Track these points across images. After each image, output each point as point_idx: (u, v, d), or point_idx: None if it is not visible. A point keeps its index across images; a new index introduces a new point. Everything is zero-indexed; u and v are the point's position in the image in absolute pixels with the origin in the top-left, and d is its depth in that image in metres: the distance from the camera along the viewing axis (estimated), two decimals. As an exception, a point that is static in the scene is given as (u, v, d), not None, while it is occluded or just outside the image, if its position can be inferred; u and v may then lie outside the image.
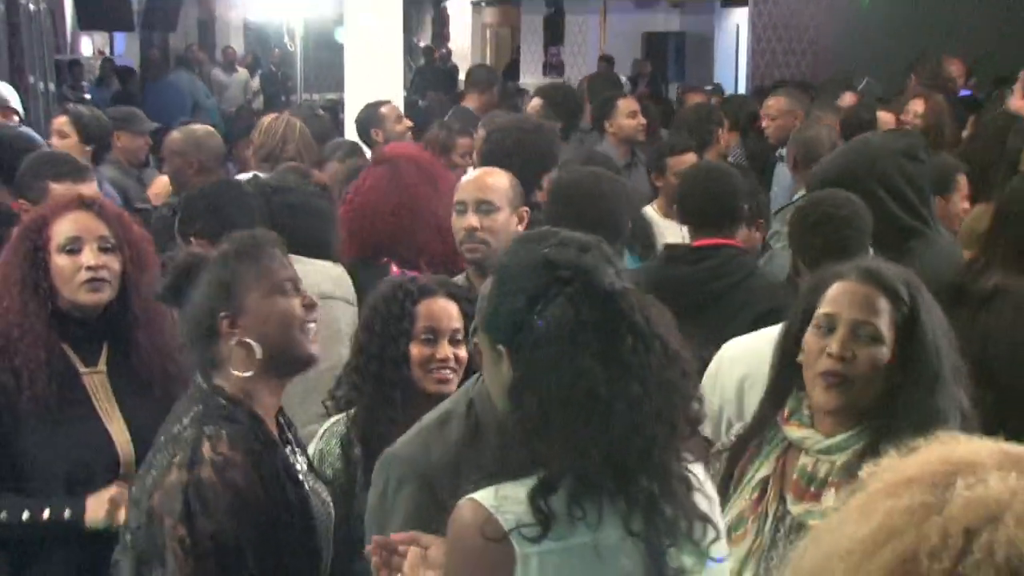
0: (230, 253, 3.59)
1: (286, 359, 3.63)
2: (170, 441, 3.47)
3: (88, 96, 18.50)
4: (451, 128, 8.96)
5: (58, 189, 5.81)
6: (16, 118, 8.30)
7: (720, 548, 3.04)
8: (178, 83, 19.50)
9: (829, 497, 3.35)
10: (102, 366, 4.33)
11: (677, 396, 2.94)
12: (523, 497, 2.84)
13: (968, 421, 3.55)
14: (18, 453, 4.16)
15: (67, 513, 4.03)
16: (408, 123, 9.39)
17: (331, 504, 3.76)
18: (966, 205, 6.89)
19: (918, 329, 3.48)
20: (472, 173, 6.05)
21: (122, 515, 3.90)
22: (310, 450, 3.83)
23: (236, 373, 3.52)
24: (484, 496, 2.85)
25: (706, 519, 2.98)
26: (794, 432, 3.53)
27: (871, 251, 5.27)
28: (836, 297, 3.52)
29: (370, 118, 8.93)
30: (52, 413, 4.13)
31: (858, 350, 3.41)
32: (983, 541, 1.56)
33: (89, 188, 5.88)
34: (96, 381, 4.30)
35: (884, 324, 3.45)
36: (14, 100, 8.48)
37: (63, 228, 4.27)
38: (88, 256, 4.22)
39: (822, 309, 3.53)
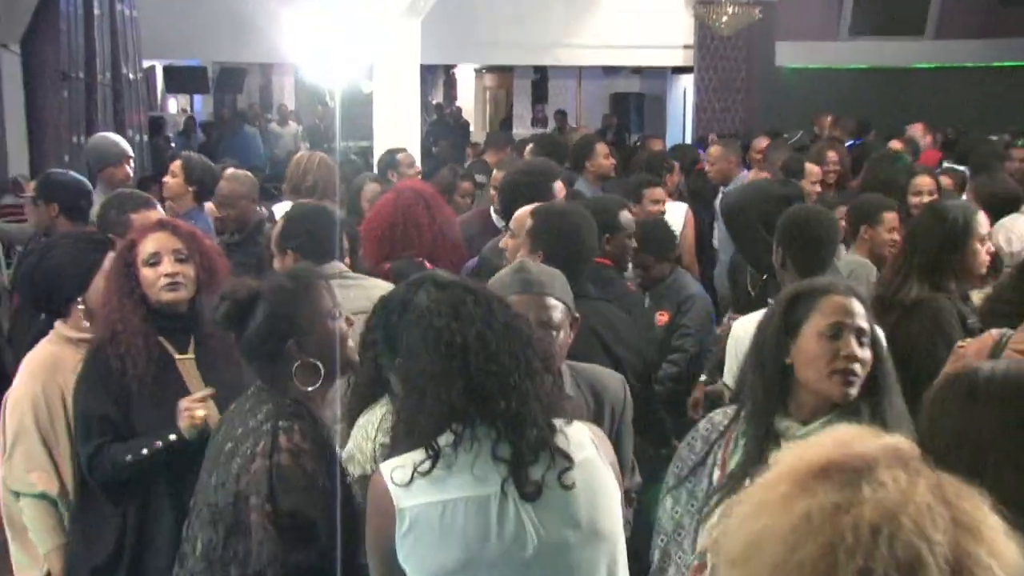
0: (289, 288, 3.63)
1: (338, 371, 3.66)
2: (250, 433, 3.44)
3: (173, 145, 18.61)
4: (456, 172, 9.12)
5: (137, 218, 5.79)
6: (130, 167, 8.22)
7: (569, 477, 2.97)
8: (249, 135, 19.85)
9: None
10: (191, 353, 4.40)
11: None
12: (412, 459, 2.91)
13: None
14: (131, 422, 4.22)
15: (172, 436, 4.07)
16: (418, 168, 9.24)
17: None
18: (895, 236, 6.72)
19: (875, 333, 3.46)
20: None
21: (200, 415, 4.07)
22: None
23: (300, 387, 3.53)
24: (386, 465, 2.97)
25: (559, 451, 2.95)
26: (781, 422, 3.42)
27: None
28: (837, 309, 3.42)
29: (388, 162, 8.91)
30: (153, 390, 4.21)
31: (861, 352, 3.37)
32: (885, 536, 1.58)
33: (157, 214, 5.96)
34: (187, 365, 4.37)
35: (868, 327, 3.42)
36: (128, 149, 8.38)
37: (146, 246, 4.34)
38: (166, 266, 4.31)
39: (826, 320, 3.41)
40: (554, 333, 3.77)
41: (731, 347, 5.18)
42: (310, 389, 3.52)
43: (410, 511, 2.87)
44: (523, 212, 5.22)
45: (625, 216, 5.87)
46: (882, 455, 1.69)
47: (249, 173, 8.17)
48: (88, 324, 4.59)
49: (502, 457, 2.90)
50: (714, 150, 9.77)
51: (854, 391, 3.36)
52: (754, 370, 3.56)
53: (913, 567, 1.55)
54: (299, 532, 3.30)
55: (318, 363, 3.53)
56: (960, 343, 4.64)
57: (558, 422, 3.00)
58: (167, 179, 7.81)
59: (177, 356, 4.36)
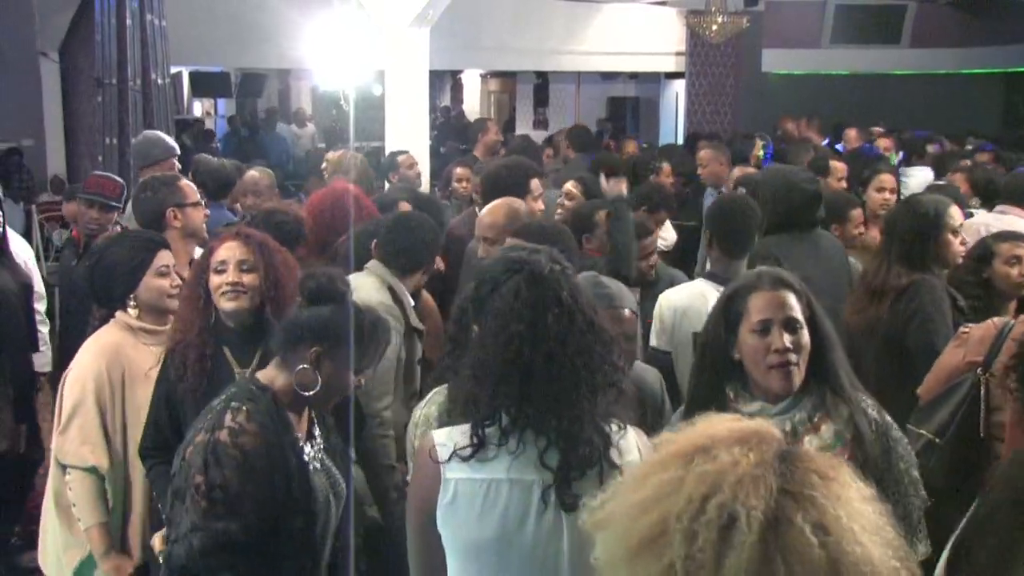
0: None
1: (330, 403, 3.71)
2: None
3: (218, 146, 18.79)
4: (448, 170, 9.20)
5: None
6: (176, 162, 8.04)
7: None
8: (283, 135, 20.13)
9: (807, 441, 3.26)
10: (253, 367, 4.17)
11: (593, 358, 2.91)
12: (461, 434, 2.88)
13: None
14: (181, 430, 4.03)
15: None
16: (419, 169, 9.15)
17: (341, 488, 3.68)
18: (861, 230, 6.95)
19: (814, 312, 3.42)
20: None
21: None
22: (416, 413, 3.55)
23: (286, 382, 3.50)
24: (437, 433, 2.95)
25: (613, 464, 2.89)
26: (749, 407, 3.37)
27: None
28: (762, 305, 3.39)
29: (390, 165, 8.90)
30: (203, 402, 3.90)
31: (793, 339, 3.33)
32: (711, 504, 1.68)
33: (189, 188, 5.88)
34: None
35: (799, 315, 3.37)
36: (174, 146, 8.24)
37: (218, 254, 4.23)
38: (229, 274, 4.18)
39: (754, 317, 3.39)
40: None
41: (657, 316, 5.28)
42: (308, 395, 3.50)
43: (456, 483, 2.84)
44: (493, 219, 5.29)
45: (600, 215, 5.86)
46: (727, 436, 1.79)
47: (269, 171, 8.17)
48: (135, 315, 4.58)
49: (549, 465, 2.85)
50: (704, 153, 9.58)
51: (794, 382, 3.35)
52: (704, 369, 3.57)
53: (728, 527, 1.65)
54: (226, 505, 3.27)
55: (318, 376, 3.47)
56: (964, 328, 4.68)
57: (614, 429, 2.95)
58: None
59: (237, 370, 4.23)
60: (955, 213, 5.51)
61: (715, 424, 1.87)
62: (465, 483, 2.84)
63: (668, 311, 5.23)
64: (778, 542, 1.64)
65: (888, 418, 3.46)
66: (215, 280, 4.21)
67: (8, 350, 6.09)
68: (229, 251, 4.24)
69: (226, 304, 4.20)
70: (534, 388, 2.84)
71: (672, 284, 5.85)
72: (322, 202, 6.63)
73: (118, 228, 6.66)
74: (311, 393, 3.48)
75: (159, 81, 13.74)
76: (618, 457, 2.92)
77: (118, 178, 7.58)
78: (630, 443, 2.98)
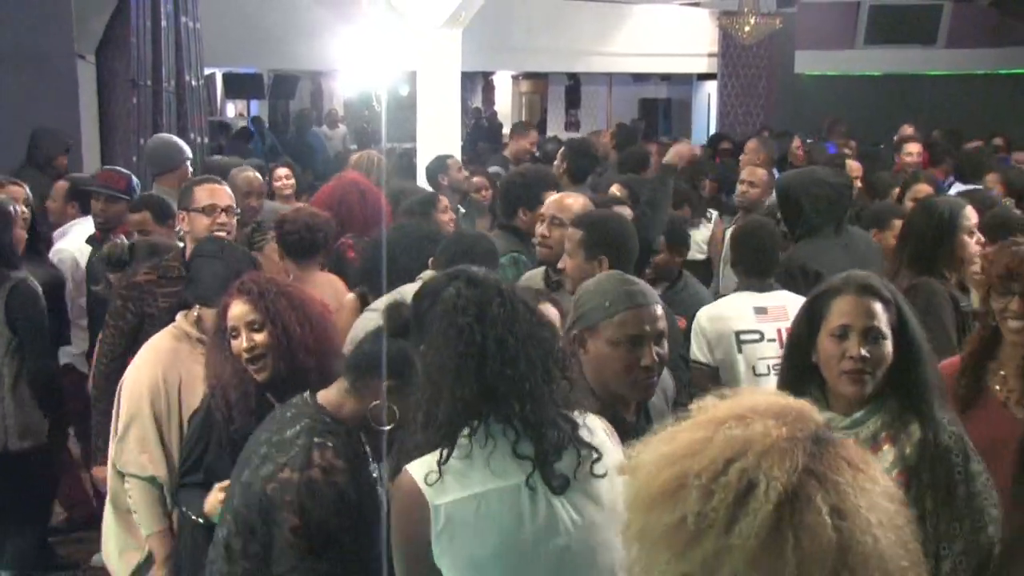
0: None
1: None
2: (284, 444, 3.35)
3: (252, 147, 18.89)
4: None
5: (199, 191, 5.74)
6: (188, 166, 8.19)
7: (601, 467, 2.95)
8: (320, 136, 20.23)
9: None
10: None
11: (542, 344, 2.96)
12: (432, 458, 2.85)
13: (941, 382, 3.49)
14: (213, 472, 4.05)
15: (196, 519, 3.99)
16: (465, 173, 9.01)
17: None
18: None
19: (906, 323, 3.37)
20: (553, 195, 5.97)
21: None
22: None
23: (372, 422, 3.40)
24: (410, 467, 2.86)
25: (586, 444, 2.94)
26: (821, 415, 3.43)
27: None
28: (844, 310, 3.35)
29: (439, 166, 8.82)
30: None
31: (871, 349, 3.28)
32: (734, 468, 1.70)
33: (220, 188, 5.86)
34: None
35: (884, 325, 3.32)
36: (187, 151, 8.48)
37: (229, 317, 4.13)
38: (243, 339, 4.06)
39: (835, 321, 3.36)
40: (664, 340, 3.66)
41: (696, 331, 5.33)
42: (375, 425, 3.38)
43: (445, 507, 2.80)
44: (571, 232, 5.16)
45: (618, 211, 5.79)
46: (765, 408, 1.81)
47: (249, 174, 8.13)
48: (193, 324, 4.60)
49: (525, 455, 2.85)
50: (752, 143, 9.65)
51: (865, 389, 3.31)
52: (786, 370, 3.58)
53: (746, 493, 1.68)
54: (323, 541, 3.25)
55: (395, 412, 3.32)
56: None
57: (576, 415, 2.98)
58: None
59: None
60: (970, 214, 5.51)
61: (758, 396, 1.89)
62: (454, 505, 2.81)
63: (707, 322, 5.29)
64: (792, 517, 1.66)
65: (970, 448, 3.37)
66: (234, 345, 4.09)
67: (29, 349, 6.12)
68: (237, 313, 4.10)
69: (257, 376, 4.08)
70: (490, 376, 2.85)
71: (697, 293, 6.00)
72: (331, 196, 6.86)
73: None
74: (387, 428, 3.38)
75: (193, 83, 13.86)
76: (589, 436, 2.96)
77: (125, 171, 7.62)
78: (595, 424, 3.04)
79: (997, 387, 4.10)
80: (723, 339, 5.21)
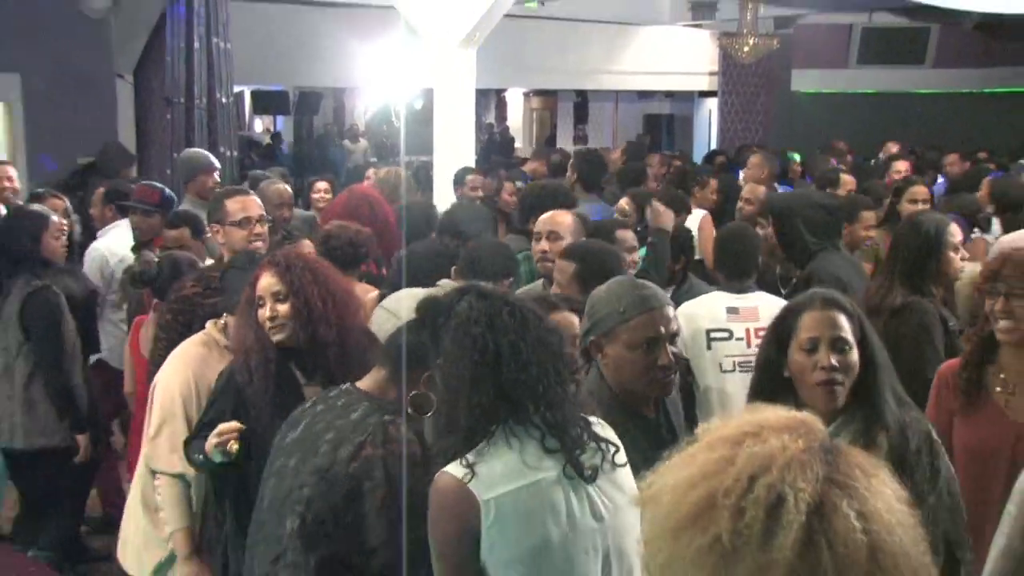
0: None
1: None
2: (356, 425, 3.31)
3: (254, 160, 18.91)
4: (501, 179, 9.29)
5: (230, 204, 5.75)
6: (217, 176, 8.18)
7: (621, 456, 3.00)
8: (342, 149, 20.29)
9: None
10: (318, 382, 4.09)
11: (552, 348, 2.97)
12: (466, 459, 2.83)
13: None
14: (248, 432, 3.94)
15: (200, 456, 3.92)
16: (480, 192, 8.81)
17: None
18: (871, 233, 7.03)
19: (867, 336, 3.39)
20: (547, 213, 5.95)
21: (235, 448, 3.77)
22: None
23: (411, 410, 3.22)
24: (449, 469, 2.83)
25: (604, 439, 2.98)
26: None
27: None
28: (811, 324, 3.36)
29: (459, 179, 8.78)
30: (272, 409, 3.94)
31: (839, 359, 3.30)
32: (760, 484, 1.65)
33: (251, 200, 5.88)
34: (312, 392, 4.00)
35: (849, 335, 3.33)
36: (216, 164, 8.41)
37: (257, 287, 4.16)
38: (266, 310, 4.09)
39: (804, 335, 3.36)
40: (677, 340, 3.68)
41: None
42: (414, 412, 3.20)
43: (495, 501, 2.78)
44: (564, 264, 5.15)
45: (621, 234, 5.85)
46: (775, 423, 1.78)
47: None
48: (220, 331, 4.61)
49: (554, 449, 2.86)
50: (755, 158, 9.50)
51: (837, 401, 3.33)
52: (759, 388, 3.55)
53: (777, 507, 1.63)
54: (411, 512, 3.14)
55: (433, 400, 3.14)
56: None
57: (587, 414, 3.01)
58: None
59: (303, 382, 4.15)
60: (955, 231, 5.48)
61: (765, 412, 1.86)
62: (503, 497, 2.80)
63: (682, 319, 5.09)
64: (823, 525, 1.63)
65: (936, 444, 3.43)
66: (260, 314, 4.12)
67: (38, 354, 6.11)
68: (264, 284, 4.14)
69: (274, 338, 4.10)
70: (506, 381, 2.87)
71: (701, 293, 5.89)
72: (344, 207, 6.95)
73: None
74: (426, 415, 3.23)
75: (223, 100, 13.91)
76: (602, 431, 3.01)
77: (158, 185, 7.64)
78: (604, 425, 3.07)
79: (998, 389, 4.13)
80: (696, 336, 5.22)
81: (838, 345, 3.32)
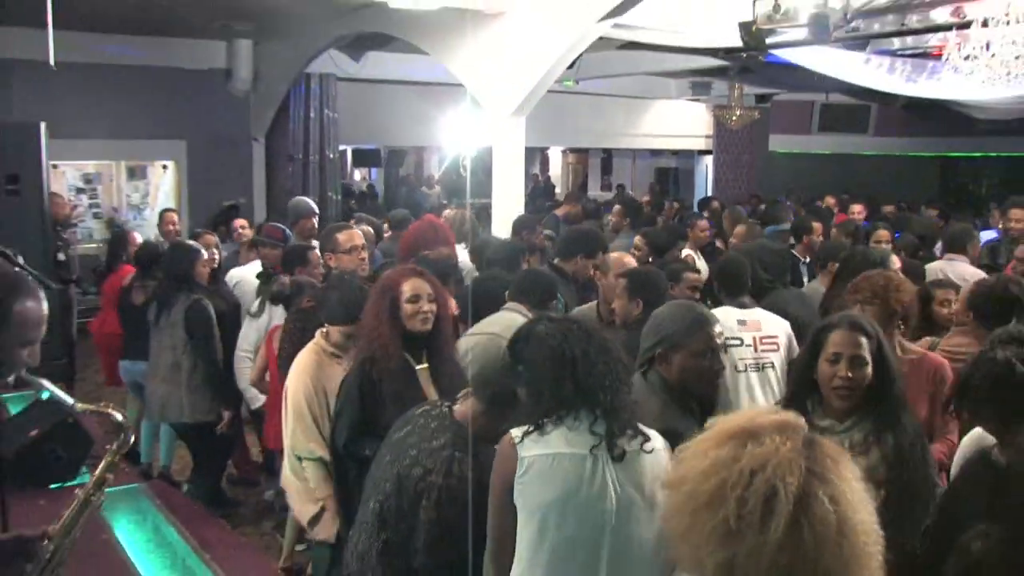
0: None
1: None
2: (433, 452, 3.30)
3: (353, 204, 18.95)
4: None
5: (341, 236, 5.86)
6: (316, 220, 8.19)
7: (650, 445, 2.94)
8: (423, 194, 20.27)
9: (857, 461, 3.15)
10: (425, 363, 4.17)
11: (612, 353, 3.00)
12: (524, 428, 2.90)
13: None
14: (378, 420, 4.02)
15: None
16: (543, 238, 8.41)
17: None
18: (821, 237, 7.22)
19: (883, 353, 3.34)
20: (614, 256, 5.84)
21: None
22: None
23: (479, 422, 3.30)
24: (514, 431, 2.92)
25: (642, 431, 2.95)
26: (821, 422, 3.29)
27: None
28: (837, 341, 3.33)
29: (524, 223, 8.36)
30: (399, 397, 3.98)
31: (855, 372, 3.28)
32: (759, 479, 1.69)
33: (355, 233, 6.01)
34: (423, 374, 4.16)
35: (866, 353, 3.30)
36: (315, 208, 8.39)
37: (407, 287, 4.16)
38: (423, 304, 4.13)
39: (830, 349, 3.33)
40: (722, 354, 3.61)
41: None
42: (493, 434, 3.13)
43: (527, 459, 2.83)
44: (620, 281, 5.11)
45: (688, 276, 5.78)
46: (769, 425, 1.79)
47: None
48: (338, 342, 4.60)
49: (597, 432, 2.86)
50: (740, 230, 8.89)
51: (849, 403, 3.29)
52: (793, 385, 3.56)
53: (771, 497, 1.67)
54: (454, 536, 3.20)
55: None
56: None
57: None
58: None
59: (416, 367, 4.16)
60: (896, 260, 5.57)
61: (757, 413, 1.87)
62: (534, 458, 2.83)
63: None
64: (806, 510, 1.67)
65: (924, 443, 3.40)
66: (409, 308, 4.12)
67: (198, 350, 6.23)
68: (419, 287, 4.17)
69: (422, 327, 4.12)
70: (581, 378, 2.89)
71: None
72: (416, 229, 6.98)
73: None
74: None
75: (331, 156, 14.15)
76: (644, 426, 2.99)
77: (280, 225, 7.69)
78: (653, 431, 3.03)
79: None
80: None
81: (856, 361, 3.30)
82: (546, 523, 2.82)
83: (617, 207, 9.23)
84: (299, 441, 4.41)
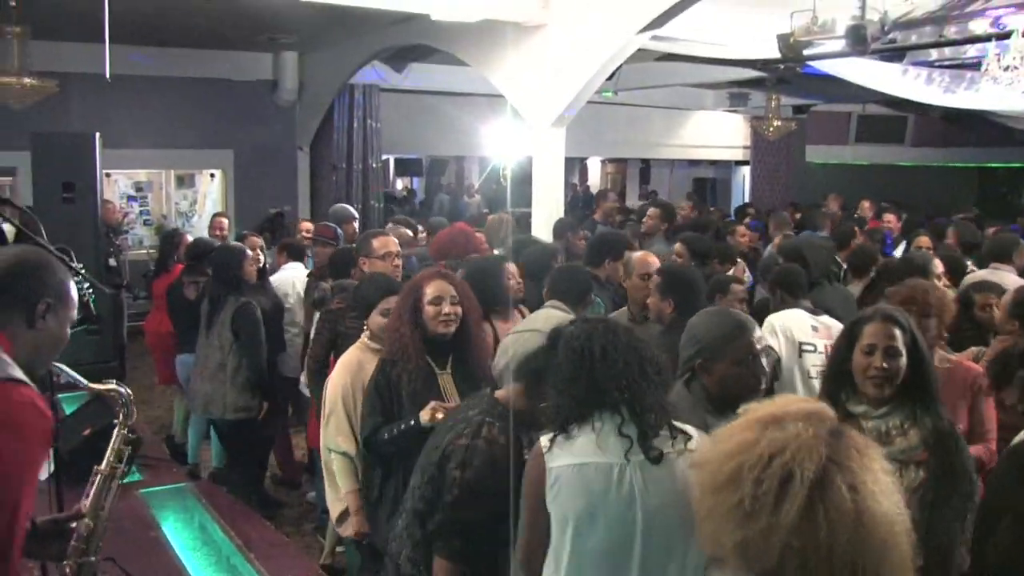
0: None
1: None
2: (463, 420, 3.29)
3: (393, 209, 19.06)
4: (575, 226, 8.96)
5: (376, 242, 5.84)
6: (356, 224, 8.35)
7: (694, 443, 2.82)
8: (467, 204, 20.22)
9: (897, 442, 3.18)
10: (449, 369, 4.11)
11: (640, 352, 2.89)
12: (551, 436, 2.84)
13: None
14: (398, 415, 4.00)
15: (412, 421, 3.87)
16: (583, 244, 8.02)
17: None
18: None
19: (917, 344, 3.32)
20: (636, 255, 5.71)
21: (439, 416, 3.77)
22: None
23: (519, 403, 3.25)
24: (543, 438, 2.87)
25: (679, 430, 2.85)
26: (856, 408, 3.28)
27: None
28: (872, 332, 3.31)
29: (568, 226, 8.55)
30: (419, 398, 3.95)
31: (890, 362, 3.26)
32: (776, 462, 1.71)
33: (391, 240, 5.94)
34: (446, 380, 4.09)
35: (900, 344, 3.27)
36: (355, 213, 8.58)
37: (431, 289, 4.11)
38: (445, 307, 4.07)
39: (865, 340, 3.31)
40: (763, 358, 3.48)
41: (767, 330, 5.03)
42: (534, 420, 3.10)
43: (555, 469, 2.78)
44: (655, 279, 5.04)
45: (734, 287, 5.58)
46: (796, 413, 1.80)
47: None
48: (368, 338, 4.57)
49: (627, 434, 2.77)
50: (778, 240, 8.74)
51: (883, 392, 3.26)
52: (829, 373, 3.50)
53: (786, 481, 1.69)
54: (476, 497, 3.15)
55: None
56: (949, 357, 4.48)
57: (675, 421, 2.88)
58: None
59: (439, 372, 4.11)
60: (939, 265, 5.48)
61: (789, 400, 1.88)
62: (561, 469, 2.78)
63: (780, 327, 5.10)
64: (821, 496, 1.67)
65: (958, 432, 3.38)
66: (431, 310, 4.08)
67: (245, 350, 6.29)
68: (442, 289, 4.12)
69: (443, 330, 4.06)
70: (597, 374, 2.82)
71: None
72: (448, 234, 7.11)
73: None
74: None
75: (373, 165, 14.25)
76: (680, 423, 2.88)
77: (332, 225, 7.82)
78: (694, 430, 2.91)
79: None
80: (790, 344, 5.03)
81: (890, 352, 3.28)
82: (575, 532, 2.78)
83: (652, 210, 9.04)
84: (330, 434, 4.43)
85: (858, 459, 1.73)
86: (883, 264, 6.07)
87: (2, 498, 2.06)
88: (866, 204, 12.43)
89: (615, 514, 2.75)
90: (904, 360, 3.28)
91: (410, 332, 4.08)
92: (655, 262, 5.48)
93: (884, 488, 1.73)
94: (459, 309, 4.12)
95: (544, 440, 2.86)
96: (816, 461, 1.69)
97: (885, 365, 3.26)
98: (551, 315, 4.33)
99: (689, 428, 2.88)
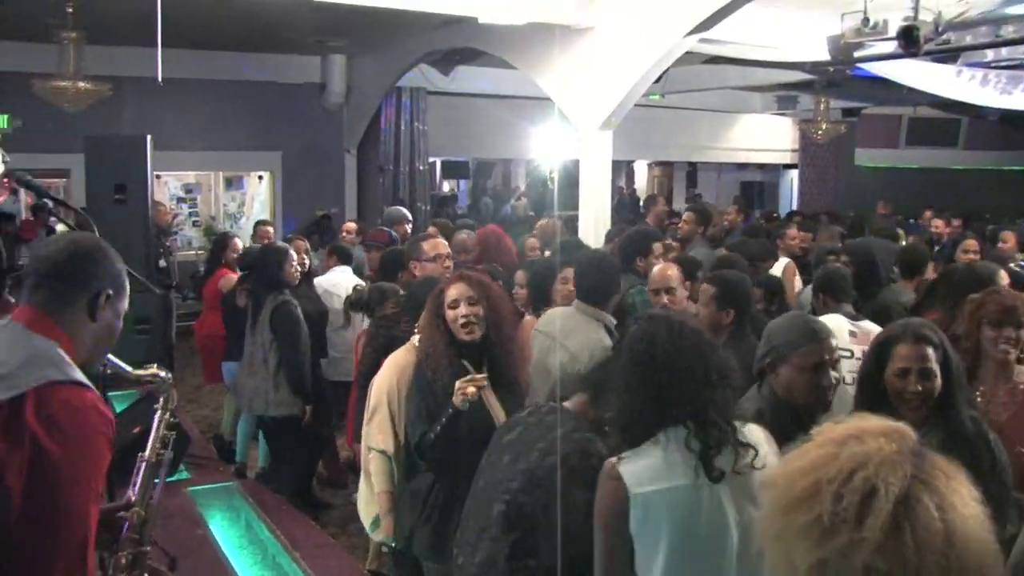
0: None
1: None
2: (564, 439, 3.05)
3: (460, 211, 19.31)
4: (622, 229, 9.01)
5: (425, 245, 5.89)
6: (409, 227, 8.37)
7: (760, 461, 2.68)
8: (513, 207, 20.19)
9: None
10: (485, 372, 3.98)
11: (704, 357, 2.74)
12: (634, 455, 2.67)
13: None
14: (437, 412, 3.92)
15: (450, 410, 3.81)
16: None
17: None
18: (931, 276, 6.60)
19: (949, 362, 3.27)
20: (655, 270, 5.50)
21: (472, 391, 3.74)
22: None
23: (589, 414, 3.14)
24: (612, 461, 2.69)
25: (744, 444, 2.70)
26: None
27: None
28: (904, 355, 3.25)
29: (617, 233, 8.16)
30: (447, 385, 3.88)
31: (924, 385, 3.21)
32: (858, 476, 1.60)
33: (437, 240, 6.01)
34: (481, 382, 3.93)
35: (934, 364, 3.23)
36: (408, 215, 8.69)
37: (449, 293, 4.07)
38: (462, 309, 4.01)
39: (897, 364, 3.26)
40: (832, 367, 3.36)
41: None
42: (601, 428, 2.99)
43: (641, 496, 2.62)
44: (706, 287, 4.85)
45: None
46: (875, 429, 1.72)
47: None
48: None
49: (692, 449, 2.64)
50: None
51: (921, 413, 3.20)
52: (862, 395, 3.44)
53: (869, 495, 1.59)
54: (571, 513, 2.91)
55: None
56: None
57: (737, 423, 2.74)
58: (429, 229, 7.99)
59: (473, 373, 3.98)
60: (1004, 275, 5.27)
61: (867, 420, 1.79)
62: (648, 495, 2.62)
63: None
64: (907, 513, 1.57)
65: (993, 437, 3.31)
66: (451, 314, 4.03)
67: (283, 348, 6.34)
68: (458, 290, 4.06)
69: (465, 337, 4.01)
70: (659, 381, 2.69)
71: None
72: (484, 234, 7.25)
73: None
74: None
75: (420, 167, 14.32)
76: (745, 438, 2.72)
77: (387, 229, 7.91)
78: (753, 430, 2.79)
79: (978, 399, 3.99)
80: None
81: (924, 374, 3.23)
82: (668, 558, 2.64)
83: (688, 214, 8.85)
84: (372, 432, 4.41)
85: (944, 480, 1.64)
86: (944, 271, 5.86)
87: (74, 503, 2.05)
88: (928, 213, 12.27)
89: (707, 536, 2.65)
90: (939, 381, 3.24)
91: (438, 335, 4.06)
92: (674, 275, 5.33)
93: (975, 514, 1.62)
94: (478, 310, 4.03)
95: (614, 459, 2.71)
96: (901, 477, 1.60)
97: (920, 388, 3.22)
98: (553, 315, 4.29)
99: (753, 436, 2.76)
